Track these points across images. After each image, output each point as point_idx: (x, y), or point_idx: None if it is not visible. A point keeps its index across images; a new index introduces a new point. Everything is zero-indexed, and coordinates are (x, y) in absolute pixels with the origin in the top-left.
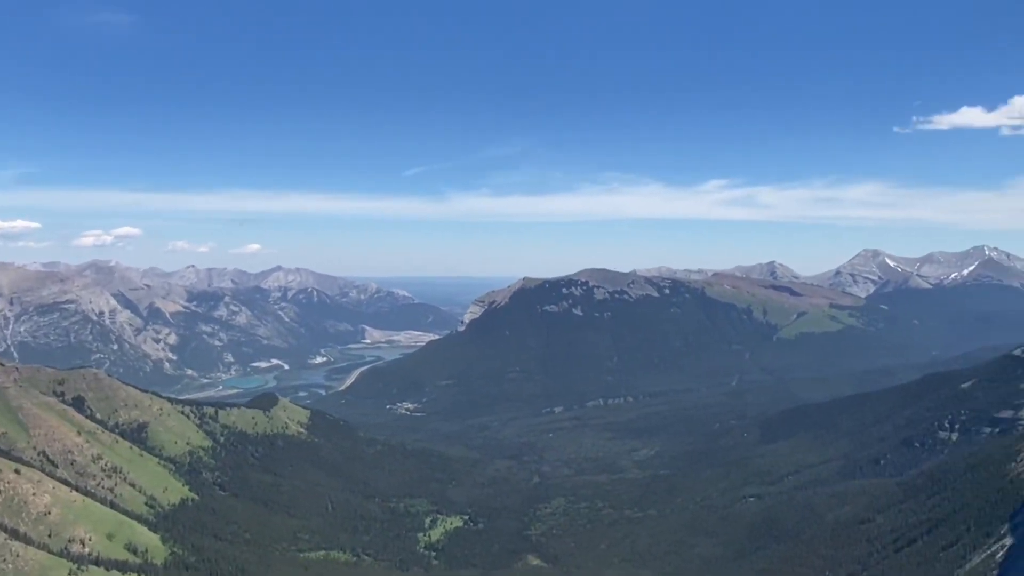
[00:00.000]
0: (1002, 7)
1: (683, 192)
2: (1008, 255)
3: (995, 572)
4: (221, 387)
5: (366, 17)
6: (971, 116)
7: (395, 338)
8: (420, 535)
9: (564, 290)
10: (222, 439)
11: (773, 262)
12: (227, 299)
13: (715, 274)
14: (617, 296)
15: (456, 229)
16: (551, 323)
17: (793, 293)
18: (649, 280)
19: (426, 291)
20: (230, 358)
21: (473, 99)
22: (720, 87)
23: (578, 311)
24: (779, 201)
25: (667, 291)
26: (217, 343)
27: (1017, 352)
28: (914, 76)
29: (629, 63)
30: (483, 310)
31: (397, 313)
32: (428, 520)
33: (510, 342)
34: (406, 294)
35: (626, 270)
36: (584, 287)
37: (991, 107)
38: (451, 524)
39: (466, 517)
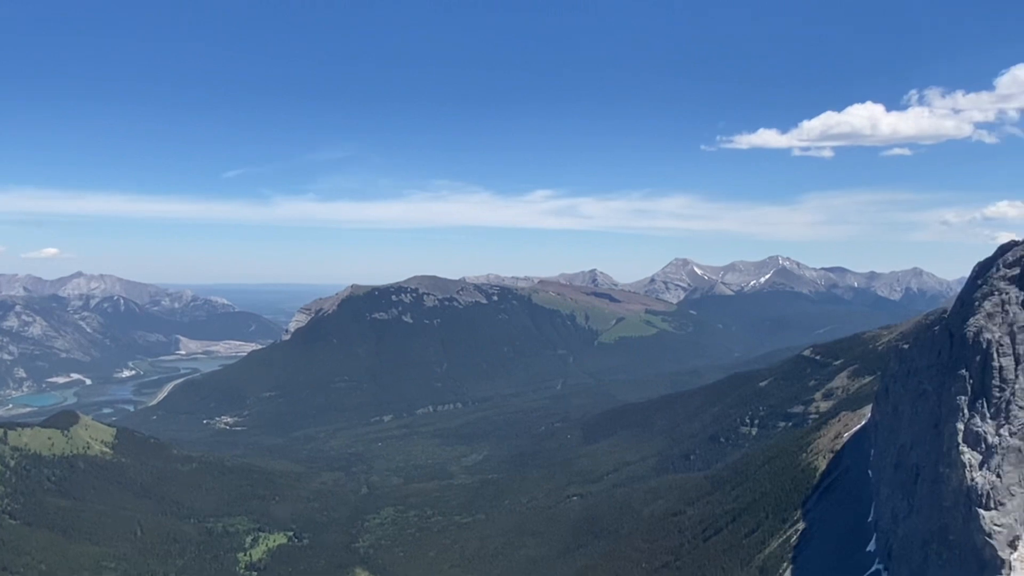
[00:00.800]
0: (791, 46)
1: (510, 201)
2: (799, 264)
3: (790, 555)
4: (11, 405)
5: (177, 4)
6: (767, 137)
7: (213, 348)
8: (240, 555)
9: (394, 297)
10: (12, 463)
11: (595, 270)
12: (18, 308)
13: (541, 281)
14: (447, 303)
15: (281, 234)
16: (380, 331)
17: (613, 299)
18: (478, 287)
19: (248, 299)
20: (22, 373)
21: (297, 99)
22: (545, 101)
23: (408, 318)
24: (600, 211)
25: (495, 298)
26: (7, 357)
27: (807, 352)
28: (718, 99)
29: (458, 73)
30: (309, 318)
31: (216, 322)
32: (249, 539)
33: (337, 351)
34: (226, 302)
35: (456, 277)
36: (414, 294)
37: (784, 130)
38: (274, 541)
39: (290, 533)
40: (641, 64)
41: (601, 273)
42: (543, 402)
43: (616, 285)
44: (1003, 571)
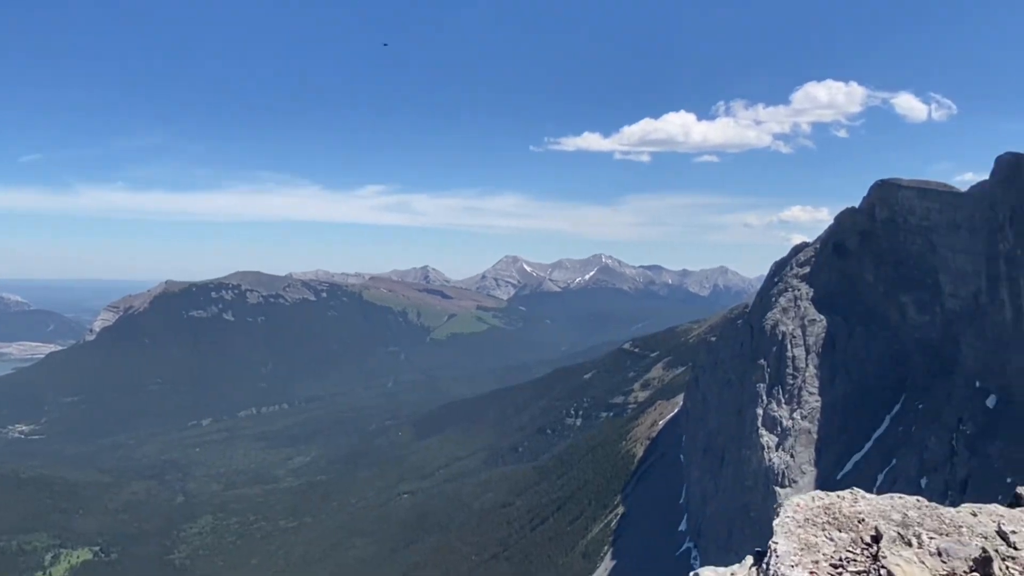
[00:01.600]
0: (614, 54)
1: (341, 196)
2: (620, 262)
3: (610, 539)
4: None
5: None
6: (591, 140)
7: (5, 351)
8: (38, 574)
9: (213, 294)
10: None
11: (427, 266)
12: None
13: (372, 278)
14: (272, 300)
15: (85, 226)
16: (198, 330)
17: (444, 296)
18: (306, 283)
19: (46, 296)
20: None
21: (103, 78)
22: (376, 97)
23: (229, 316)
24: (433, 208)
25: (324, 294)
26: None
27: (627, 346)
28: (547, 103)
29: (283, 62)
30: (118, 316)
31: (7, 321)
32: (49, 556)
33: (150, 351)
34: (19, 299)
35: (282, 273)
36: (236, 291)
37: (607, 134)
38: (78, 558)
39: (96, 548)
40: (473, 65)
41: (433, 270)
42: (374, 400)
43: (448, 282)
44: None
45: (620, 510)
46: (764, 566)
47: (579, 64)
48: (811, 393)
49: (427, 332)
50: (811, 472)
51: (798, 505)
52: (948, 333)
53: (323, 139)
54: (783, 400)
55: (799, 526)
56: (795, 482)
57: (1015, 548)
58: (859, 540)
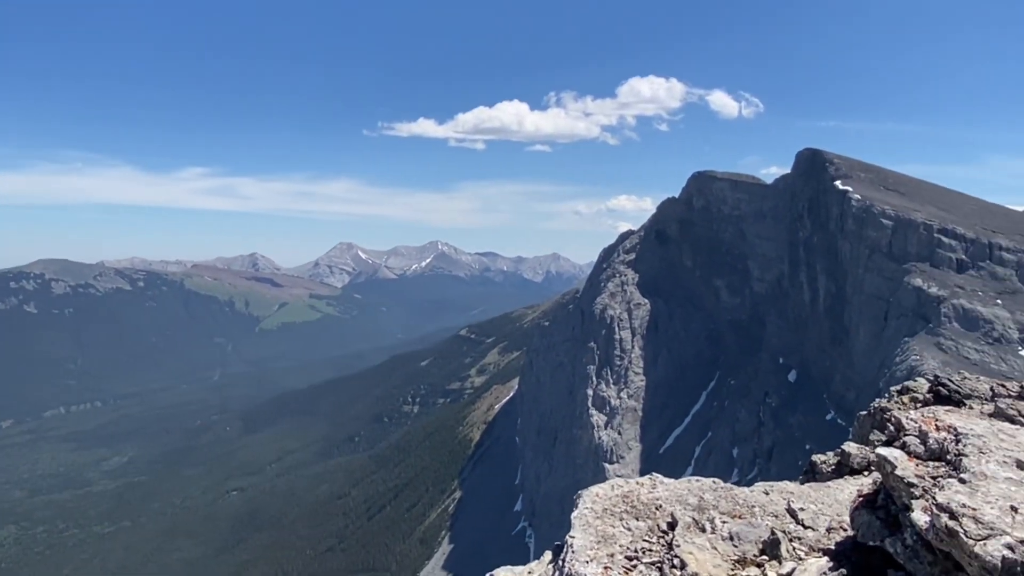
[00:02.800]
0: (449, 40)
1: (159, 178)
2: (456, 249)
3: (448, 523)
4: None
5: None
6: (426, 127)
7: None
8: None
9: (13, 284)
10: None
11: (255, 253)
12: None
13: (195, 265)
14: (81, 290)
15: None
16: None
17: (275, 284)
18: (120, 272)
19: None
20: None
21: None
22: (198, 76)
23: (31, 308)
24: (260, 193)
25: (142, 284)
26: None
27: (463, 332)
28: (380, 87)
29: (93, 29)
30: None
31: None
32: None
33: None
34: None
35: (92, 261)
36: (39, 280)
37: (441, 121)
38: None
39: None
40: (304, 43)
41: (262, 257)
42: (199, 394)
43: (279, 269)
44: None
45: (457, 494)
46: (560, 563)
47: (413, 49)
48: (636, 373)
49: (256, 322)
50: (637, 448)
51: (596, 495)
52: (756, 314)
53: (138, 116)
54: (611, 380)
55: (597, 517)
56: (622, 458)
57: (803, 526)
58: (656, 528)
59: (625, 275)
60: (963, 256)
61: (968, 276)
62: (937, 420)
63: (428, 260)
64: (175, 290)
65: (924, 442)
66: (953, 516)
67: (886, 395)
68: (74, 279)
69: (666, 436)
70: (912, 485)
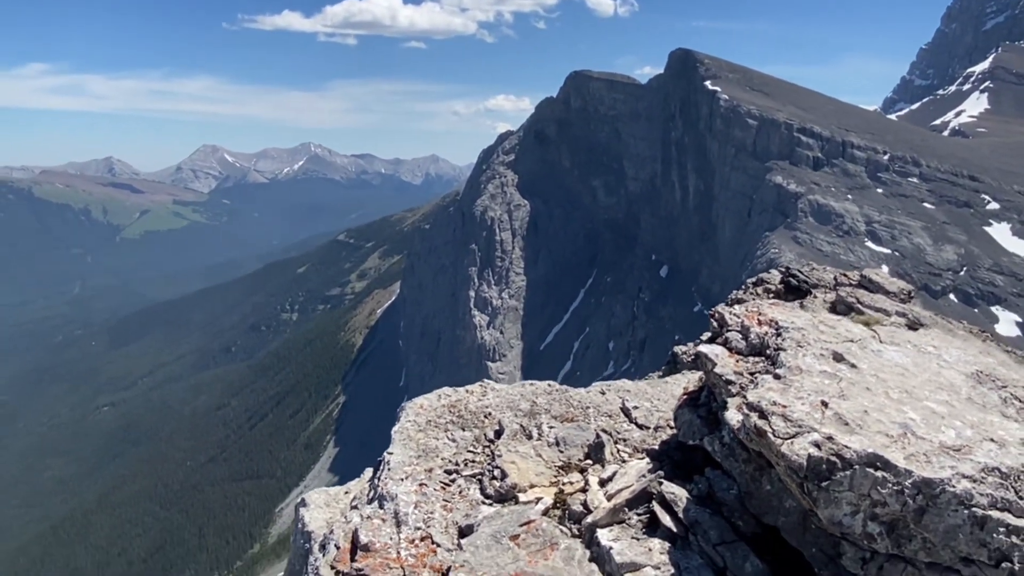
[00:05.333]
0: None
1: None
2: (330, 151)
3: (332, 427)
4: None
5: None
6: (291, 19)
7: None
8: None
9: None
10: None
11: (111, 158)
12: None
13: (44, 172)
14: None
15: None
16: None
17: (134, 190)
18: None
19: None
20: None
21: None
22: None
23: None
24: (112, 91)
25: None
26: None
27: (341, 237)
28: None
29: None
30: None
31: None
32: None
33: None
34: None
35: None
36: None
37: (308, 14)
38: None
39: None
40: None
41: (119, 161)
42: (58, 309)
43: (138, 174)
44: None
45: (341, 399)
46: (375, 480)
47: None
48: (517, 273)
49: (117, 231)
50: (518, 346)
51: (420, 407)
52: (631, 213)
53: None
54: (493, 281)
55: (420, 430)
56: (504, 356)
57: (637, 425)
58: (482, 438)
59: (505, 176)
60: (819, 154)
61: (823, 173)
62: (760, 314)
63: (301, 163)
64: (23, 198)
65: (746, 337)
66: (763, 415)
67: (742, 287)
68: None
69: (546, 333)
70: (730, 383)
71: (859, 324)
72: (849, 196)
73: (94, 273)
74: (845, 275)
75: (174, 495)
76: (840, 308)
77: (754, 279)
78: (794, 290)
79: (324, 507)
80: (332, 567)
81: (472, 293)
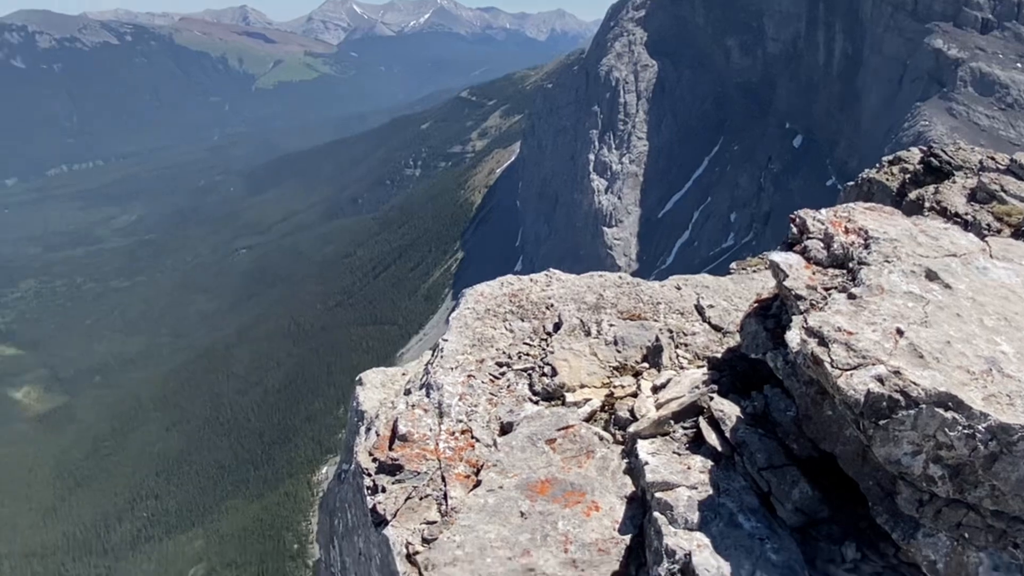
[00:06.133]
0: None
1: None
2: (457, 4)
3: (451, 281)
4: None
5: None
6: None
7: None
8: None
9: None
10: None
11: (245, 6)
12: None
13: (183, 19)
14: (68, 44)
15: None
16: None
17: (267, 40)
18: (105, 25)
19: None
20: None
21: None
22: None
23: (18, 62)
24: None
25: (129, 38)
26: None
27: (464, 94)
28: None
29: None
30: None
31: None
32: None
33: None
34: None
35: (75, 12)
36: (23, 33)
37: None
38: None
39: None
40: None
41: (253, 10)
42: (199, 155)
43: (271, 24)
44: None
45: (460, 255)
46: (427, 367)
47: None
48: (639, 138)
49: (252, 80)
50: (636, 212)
51: (481, 294)
52: (766, 76)
53: None
54: (613, 145)
55: (478, 318)
56: (620, 222)
57: (711, 324)
58: (540, 330)
59: (633, 34)
60: (989, 15)
61: (991, 37)
62: (849, 220)
63: (427, 16)
64: (164, 45)
65: (828, 247)
66: (822, 341)
67: (876, 166)
68: (59, 32)
69: (665, 201)
70: (800, 298)
71: (990, 217)
72: (1019, 64)
73: (231, 122)
74: (993, 158)
75: (305, 334)
76: (980, 195)
77: (891, 157)
78: (934, 171)
79: (380, 387)
80: (370, 453)
81: (592, 156)
